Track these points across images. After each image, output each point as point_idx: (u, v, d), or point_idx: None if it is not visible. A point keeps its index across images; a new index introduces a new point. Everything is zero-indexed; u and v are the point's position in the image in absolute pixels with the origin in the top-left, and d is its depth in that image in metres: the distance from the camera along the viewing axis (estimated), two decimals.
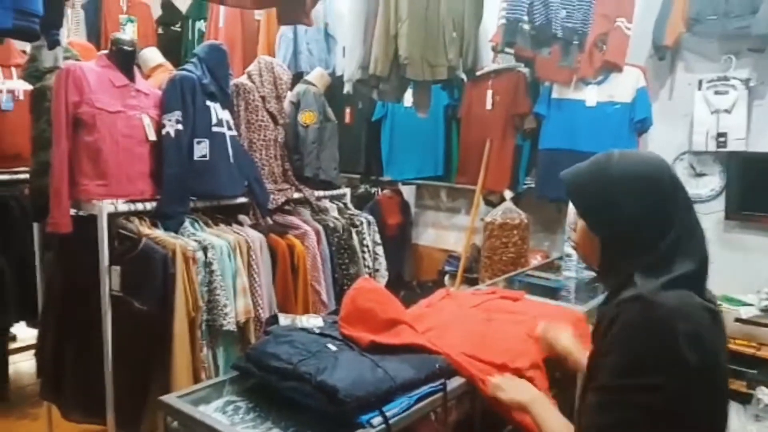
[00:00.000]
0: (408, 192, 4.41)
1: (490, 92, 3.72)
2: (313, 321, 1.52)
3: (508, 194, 3.50)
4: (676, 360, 0.92)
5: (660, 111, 3.27)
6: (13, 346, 3.78)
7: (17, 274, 2.94)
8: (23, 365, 3.58)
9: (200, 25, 4.87)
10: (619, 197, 1.06)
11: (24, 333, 3.50)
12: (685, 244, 1.03)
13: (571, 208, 2.66)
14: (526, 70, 3.59)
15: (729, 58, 3.06)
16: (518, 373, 1.48)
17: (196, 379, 2.14)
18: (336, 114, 4.07)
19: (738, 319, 2.78)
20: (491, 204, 3.77)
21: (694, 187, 3.20)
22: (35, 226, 2.55)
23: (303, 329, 1.47)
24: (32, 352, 2.58)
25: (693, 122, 3.13)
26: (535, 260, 3.57)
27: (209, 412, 1.29)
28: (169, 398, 1.28)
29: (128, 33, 4.93)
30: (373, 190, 4.30)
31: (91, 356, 2.17)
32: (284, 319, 1.51)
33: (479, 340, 1.59)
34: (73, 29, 4.79)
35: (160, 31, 5.00)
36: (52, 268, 2.34)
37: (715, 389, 0.99)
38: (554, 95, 3.41)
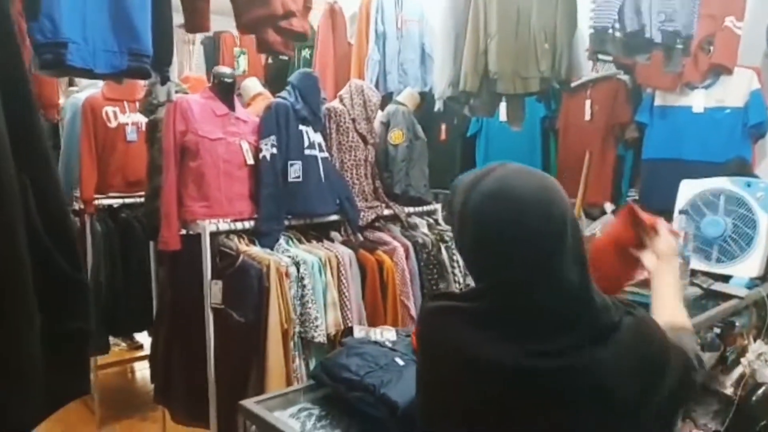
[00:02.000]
0: None
1: (588, 102, 3.59)
2: (387, 334, 1.56)
3: (608, 207, 3.34)
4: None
5: None
6: (140, 353, 4.18)
7: (138, 287, 3.25)
8: (147, 372, 3.92)
9: (305, 53, 5.14)
10: (466, 223, 0.95)
11: (149, 342, 3.84)
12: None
13: (675, 221, 2.52)
14: (626, 78, 3.44)
15: None
16: None
17: None
18: (431, 131, 4.13)
19: None
20: (592, 217, 3.63)
21: None
22: (151, 244, 2.81)
23: (375, 342, 1.51)
24: None
25: None
26: (641, 276, 3.38)
27: (284, 417, 1.37)
28: (247, 403, 1.38)
29: (242, 65, 5.33)
30: None
31: (197, 364, 2.35)
32: (358, 332, 1.57)
33: None
34: (194, 64, 5.25)
35: (270, 60, 5.33)
36: (164, 283, 2.57)
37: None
38: (657, 102, 3.23)
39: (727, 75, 3.00)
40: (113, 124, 3.42)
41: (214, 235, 2.34)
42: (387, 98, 3.51)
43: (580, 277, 0.93)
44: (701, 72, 3.03)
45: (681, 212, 2.50)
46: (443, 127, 4.25)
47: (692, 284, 2.45)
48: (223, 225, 2.36)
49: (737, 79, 2.99)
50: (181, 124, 2.33)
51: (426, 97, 3.80)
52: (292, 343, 2.31)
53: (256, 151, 2.50)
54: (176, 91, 2.64)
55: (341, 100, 2.84)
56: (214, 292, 2.30)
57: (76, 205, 3.55)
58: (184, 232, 2.42)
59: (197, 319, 2.33)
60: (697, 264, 2.49)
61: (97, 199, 3.35)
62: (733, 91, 3.00)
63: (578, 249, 0.95)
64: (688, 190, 2.62)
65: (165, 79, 2.11)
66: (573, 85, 3.45)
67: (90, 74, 1.95)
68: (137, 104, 3.47)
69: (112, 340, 4.17)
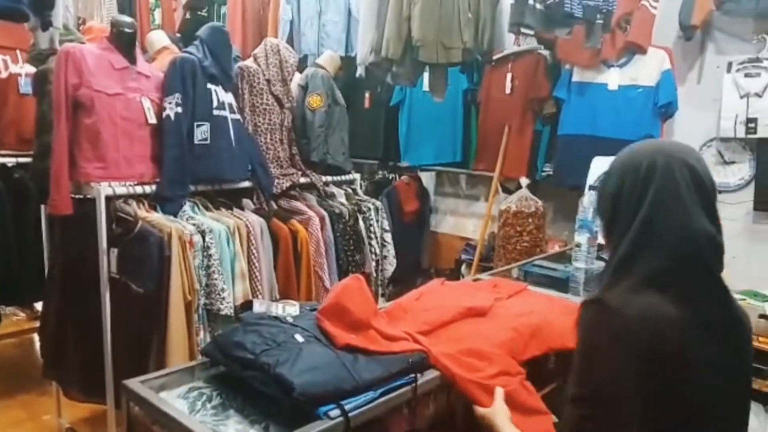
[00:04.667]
0: (428, 178, 4.33)
1: (509, 76, 3.60)
2: (289, 309, 1.48)
3: (524, 182, 3.39)
4: (610, 369, 0.91)
5: (687, 95, 3.10)
6: (36, 324, 3.90)
7: (35, 254, 3.00)
8: None
9: (224, 9, 4.88)
10: (608, 178, 1.08)
11: None
12: (659, 230, 0.97)
13: (585, 197, 2.57)
14: (546, 53, 3.46)
15: (762, 38, 2.86)
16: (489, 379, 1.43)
17: None
18: (355, 99, 4.02)
19: (762, 316, 2.62)
20: (509, 191, 3.67)
21: (722, 176, 3.03)
22: (43, 207, 2.59)
23: (276, 318, 1.44)
24: None
25: (721, 107, 2.95)
26: (553, 250, 3.46)
27: (171, 398, 1.27)
28: (131, 382, 1.27)
29: (156, 18, 5.00)
30: (391, 176, 4.24)
31: (91, 336, 2.20)
32: (258, 306, 1.48)
33: (459, 341, 1.53)
34: (105, 15, 4.86)
35: (187, 15, 5.02)
36: (55, 249, 2.38)
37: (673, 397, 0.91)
38: (575, 78, 3.27)
39: (642, 54, 3.07)
40: (4, 74, 3.12)
41: (110, 199, 2.16)
42: (302, 61, 3.36)
43: None
44: (617, 49, 3.08)
45: (591, 188, 2.55)
46: (367, 95, 4.16)
47: (599, 258, 2.52)
48: (121, 188, 2.19)
49: (650, 58, 3.06)
50: (73, 76, 2.12)
51: (351, 63, 3.68)
52: (196, 316, 2.20)
53: (160, 109, 2.32)
54: (70, 40, 2.41)
55: (255, 59, 2.69)
56: (110, 260, 2.14)
57: None
58: (78, 195, 2.23)
59: (92, 290, 2.16)
60: (603, 239, 2.55)
61: None
62: (646, 71, 3.07)
63: None
64: (599, 166, 2.68)
65: (46, 25, 1.90)
66: (495, 58, 3.44)
67: None
68: None
69: (9, 309, 3.89)
